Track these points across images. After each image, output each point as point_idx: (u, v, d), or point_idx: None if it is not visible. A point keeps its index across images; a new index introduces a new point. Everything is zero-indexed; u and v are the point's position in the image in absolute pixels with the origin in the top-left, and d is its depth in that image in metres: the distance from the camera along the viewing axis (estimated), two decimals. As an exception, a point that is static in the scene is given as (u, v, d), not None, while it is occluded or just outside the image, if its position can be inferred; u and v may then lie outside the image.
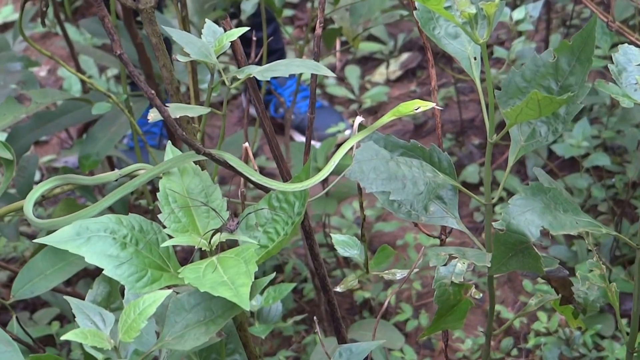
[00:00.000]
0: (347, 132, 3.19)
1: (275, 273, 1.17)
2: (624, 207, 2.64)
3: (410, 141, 1.32)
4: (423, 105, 1.24)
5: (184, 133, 1.09)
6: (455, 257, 1.22)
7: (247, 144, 1.34)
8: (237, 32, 1.22)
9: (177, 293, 1.11)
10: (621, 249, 2.68)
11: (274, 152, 1.32)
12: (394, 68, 3.49)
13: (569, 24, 3.07)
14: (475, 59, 1.28)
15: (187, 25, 1.75)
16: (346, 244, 1.42)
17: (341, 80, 3.53)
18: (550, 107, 1.12)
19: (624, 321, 2.24)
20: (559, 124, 1.25)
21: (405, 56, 3.51)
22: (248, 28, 1.24)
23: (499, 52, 2.44)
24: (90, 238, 1.09)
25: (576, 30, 3.25)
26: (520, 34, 2.75)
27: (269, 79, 3.02)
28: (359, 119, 1.29)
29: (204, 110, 1.17)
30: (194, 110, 1.16)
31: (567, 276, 1.25)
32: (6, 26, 4.00)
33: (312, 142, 3.15)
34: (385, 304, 1.35)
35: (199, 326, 1.06)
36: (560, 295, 1.29)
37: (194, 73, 1.74)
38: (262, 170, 3.17)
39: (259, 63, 3.11)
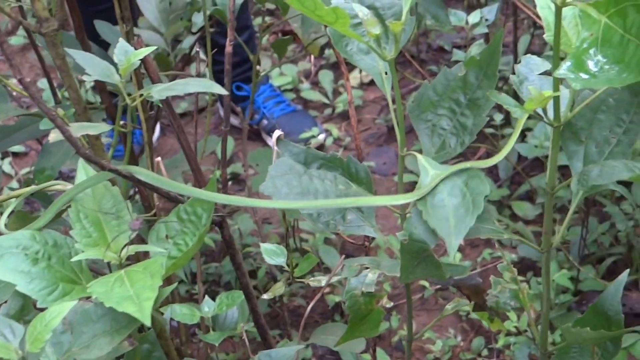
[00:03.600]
0: (321, 136, 3.23)
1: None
2: (589, 207, 2.68)
3: (329, 153, 1.36)
4: None
5: (86, 151, 1.14)
6: (368, 268, 1.26)
7: (159, 158, 1.37)
8: (145, 51, 1.26)
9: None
10: (589, 247, 2.71)
11: (189, 160, 1.34)
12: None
13: (539, 24, 3.09)
14: (386, 73, 1.32)
15: (132, 38, 1.79)
16: (273, 253, 1.46)
17: (315, 84, 3.58)
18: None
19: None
20: (466, 135, 1.29)
21: (376, 60, 3.54)
22: (154, 47, 1.29)
23: (458, 55, 2.47)
24: (2, 255, 1.14)
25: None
26: (487, 35, 2.78)
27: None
28: (277, 133, 1.33)
29: (105, 127, 1.22)
30: (95, 128, 1.21)
31: (479, 284, 1.29)
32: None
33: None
34: (305, 314, 1.40)
35: (105, 336, 1.11)
36: (473, 302, 1.33)
37: (139, 86, 1.78)
38: (237, 177, 3.22)
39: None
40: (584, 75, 1.05)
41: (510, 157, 2.94)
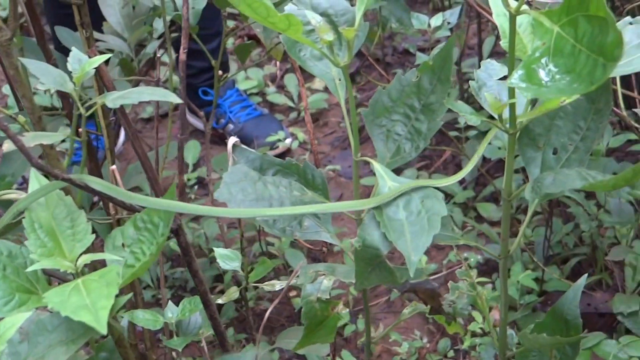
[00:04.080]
0: (288, 140, 3.23)
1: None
2: (552, 207, 2.69)
3: (285, 159, 1.36)
4: None
5: (38, 161, 1.13)
6: (323, 274, 1.26)
7: (114, 166, 1.37)
8: (99, 59, 1.26)
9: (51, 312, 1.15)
10: (553, 248, 2.72)
11: (145, 169, 1.34)
12: (333, 75, 3.53)
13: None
14: (340, 80, 1.33)
15: (92, 44, 1.78)
16: (227, 257, 1.46)
17: (281, 88, 3.58)
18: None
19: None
20: (420, 140, 1.30)
21: (341, 63, 3.55)
22: (109, 55, 1.28)
23: (421, 58, 2.48)
24: (-44, 265, 1.14)
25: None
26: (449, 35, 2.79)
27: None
28: (233, 140, 1.33)
29: (59, 136, 1.22)
30: (49, 138, 1.20)
31: (435, 288, 1.29)
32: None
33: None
34: (265, 317, 1.40)
35: (60, 345, 1.11)
36: (429, 306, 1.33)
37: (100, 92, 1.77)
38: (203, 181, 3.21)
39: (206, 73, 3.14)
40: (535, 85, 1.05)
41: (475, 159, 2.95)
